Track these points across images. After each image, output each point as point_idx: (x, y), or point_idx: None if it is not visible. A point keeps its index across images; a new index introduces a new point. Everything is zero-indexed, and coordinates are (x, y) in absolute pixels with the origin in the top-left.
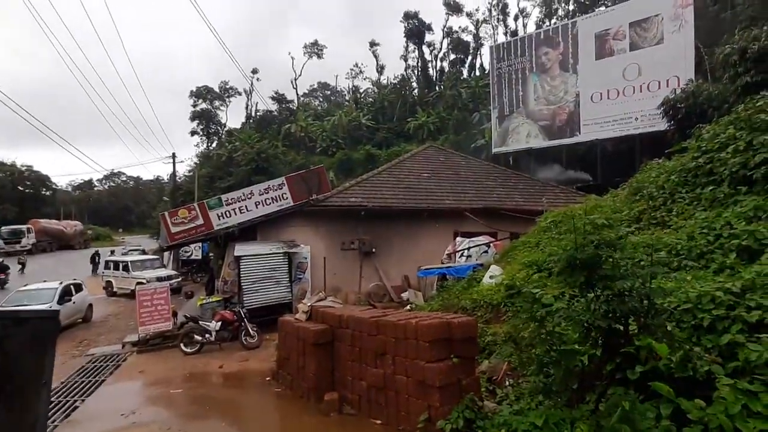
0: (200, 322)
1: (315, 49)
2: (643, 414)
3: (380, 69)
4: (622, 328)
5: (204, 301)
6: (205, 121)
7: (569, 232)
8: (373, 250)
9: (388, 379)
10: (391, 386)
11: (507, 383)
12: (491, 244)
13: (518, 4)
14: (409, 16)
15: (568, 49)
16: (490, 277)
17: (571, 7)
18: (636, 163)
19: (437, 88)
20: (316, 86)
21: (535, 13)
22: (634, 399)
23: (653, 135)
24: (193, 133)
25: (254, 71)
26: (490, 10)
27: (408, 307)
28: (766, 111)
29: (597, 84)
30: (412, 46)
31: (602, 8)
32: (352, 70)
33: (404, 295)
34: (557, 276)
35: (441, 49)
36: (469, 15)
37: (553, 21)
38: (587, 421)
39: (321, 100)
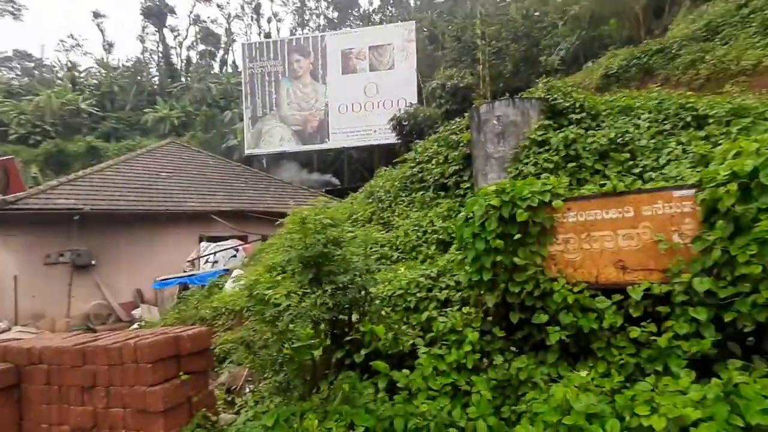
0: None
1: (10, 6)
2: (362, 392)
3: (107, 46)
4: (347, 318)
5: None
6: None
7: (299, 232)
8: (93, 262)
9: (99, 416)
10: (104, 424)
11: (247, 390)
12: (240, 248)
13: (272, 8)
14: None
15: (318, 60)
16: (234, 281)
17: (322, 22)
18: (374, 170)
19: (183, 79)
20: (10, 54)
21: (289, 20)
22: (355, 379)
23: (387, 146)
24: None
25: None
26: (243, 7)
27: (136, 325)
28: (456, 133)
29: (343, 96)
30: (152, 28)
31: (348, 28)
32: (64, 41)
33: (136, 313)
34: (297, 276)
35: (187, 36)
36: (219, 6)
37: (305, 31)
38: (317, 410)
39: (19, 72)
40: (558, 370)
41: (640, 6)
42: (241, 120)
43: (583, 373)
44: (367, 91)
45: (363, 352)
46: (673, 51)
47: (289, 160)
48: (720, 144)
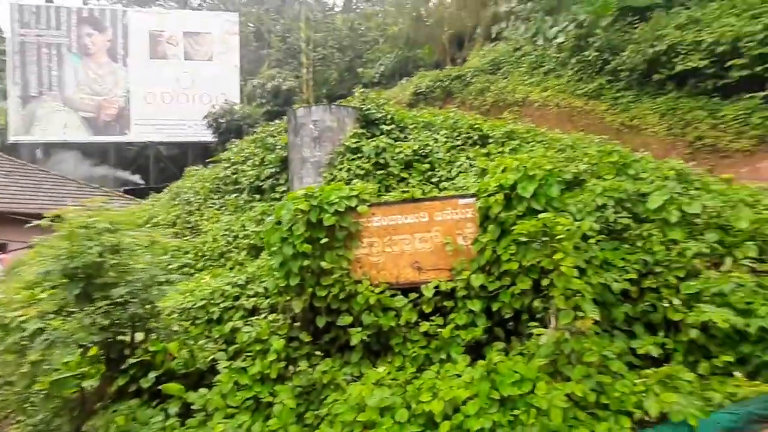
0: None
1: None
2: (148, 421)
3: None
4: (129, 338)
5: None
6: None
7: (65, 239)
8: None
9: None
10: None
11: None
12: None
13: None
14: None
15: (118, 38)
16: None
17: None
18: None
19: None
20: None
21: None
22: (135, 409)
23: (204, 144)
24: None
25: None
26: None
27: None
28: (274, 135)
29: (151, 84)
30: None
31: (160, 8)
32: None
33: None
34: (59, 292)
35: None
36: None
37: (102, 1)
38: None
39: None
40: (361, 368)
41: (446, 37)
42: (6, 98)
43: (381, 369)
44: (181, 82)
45: (152, 375)
46: (468, 79)
47: (73, 150)
48: (495, 160)
